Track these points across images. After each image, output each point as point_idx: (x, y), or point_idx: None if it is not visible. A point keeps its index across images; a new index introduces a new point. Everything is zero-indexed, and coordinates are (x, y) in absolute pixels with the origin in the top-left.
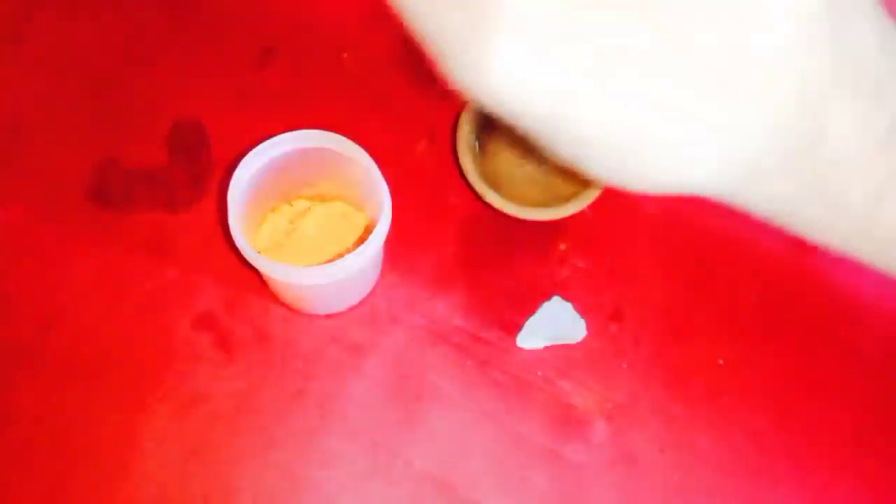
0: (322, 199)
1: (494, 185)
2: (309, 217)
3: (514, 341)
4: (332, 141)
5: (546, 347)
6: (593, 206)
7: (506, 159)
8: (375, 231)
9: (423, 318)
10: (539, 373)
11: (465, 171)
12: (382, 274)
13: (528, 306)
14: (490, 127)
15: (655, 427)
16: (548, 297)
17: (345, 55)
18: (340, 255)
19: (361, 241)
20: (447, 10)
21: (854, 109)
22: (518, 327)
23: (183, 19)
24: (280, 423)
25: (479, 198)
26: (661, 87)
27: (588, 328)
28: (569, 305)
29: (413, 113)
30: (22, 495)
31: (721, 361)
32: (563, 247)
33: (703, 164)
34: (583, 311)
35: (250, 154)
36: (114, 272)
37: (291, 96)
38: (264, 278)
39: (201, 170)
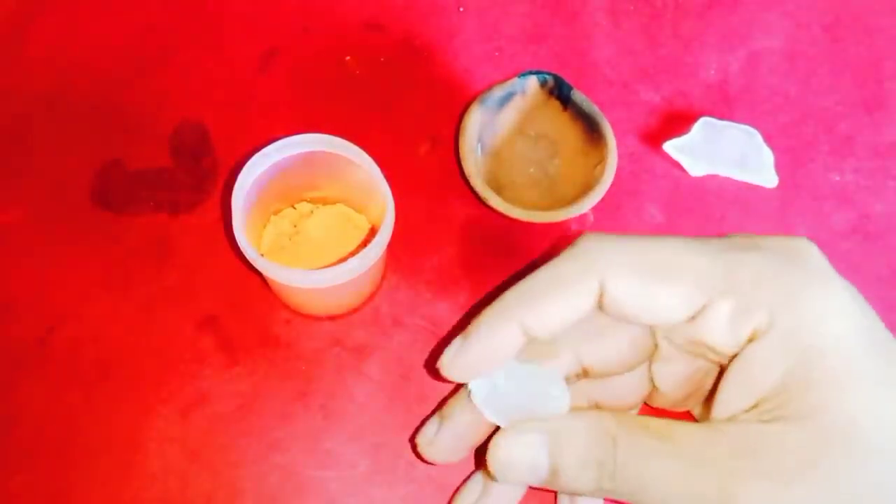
0: (325, 202)
1: (497, 188)
2: (312, 220)
3: None
4: (334, 144)
5: None
6: (595, 209)
7: (508, 162)
8: (378, 234)
9: (425, 320)
10: None
11: (467, 174)
12: (385, 276)
13: None
14: (492, 130)
15: None
16: None
17: (348, 58)
18: (343, 258)
19: (364, 243)
20: None
21: None
22: None
23: (186, 22)
24: (283, 424)
25: (481, 201)
26: None
27: None
28: None
29: (416, 116)
30: (25, 497)
31: None
32: None
33: None
34: None
35: (254, 157)
36: (116, 274)
37: (294, 99)
38: (267, 281)
39: (204, 172)
